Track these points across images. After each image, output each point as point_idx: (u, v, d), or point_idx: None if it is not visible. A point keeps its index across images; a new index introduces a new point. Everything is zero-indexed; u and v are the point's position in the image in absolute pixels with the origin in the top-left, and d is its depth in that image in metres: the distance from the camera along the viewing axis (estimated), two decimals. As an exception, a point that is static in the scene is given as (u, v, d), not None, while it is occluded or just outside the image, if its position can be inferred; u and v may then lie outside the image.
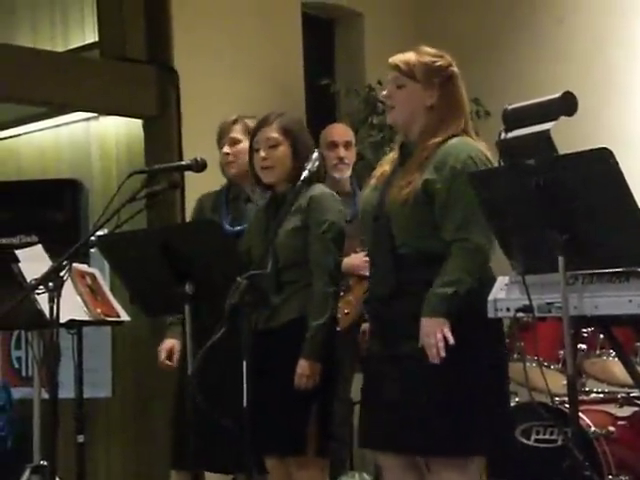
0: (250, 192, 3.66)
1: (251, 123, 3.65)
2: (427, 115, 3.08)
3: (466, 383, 2.95)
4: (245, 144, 3.62)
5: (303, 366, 3.19)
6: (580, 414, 3.53)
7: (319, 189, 3.33)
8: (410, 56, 3.12)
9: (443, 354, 2.86)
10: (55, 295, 3.01)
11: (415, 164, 3.03)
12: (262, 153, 3.36)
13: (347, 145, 4.56)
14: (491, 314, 2.82)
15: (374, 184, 3.17)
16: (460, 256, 2.92)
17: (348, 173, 4.50)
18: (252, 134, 3.43)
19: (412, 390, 2.96)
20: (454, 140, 3.05)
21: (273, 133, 3.35)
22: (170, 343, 3.68)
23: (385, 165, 3.21)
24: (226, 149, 3.69)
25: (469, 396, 2.96)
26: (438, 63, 3.10)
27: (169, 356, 3.69)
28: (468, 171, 2.91)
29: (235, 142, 3.69)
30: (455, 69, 3.12)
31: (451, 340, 2.87)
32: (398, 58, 3.13)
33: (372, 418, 3.12)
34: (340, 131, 4.65)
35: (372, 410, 3.11)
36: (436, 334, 2.86)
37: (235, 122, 3.71)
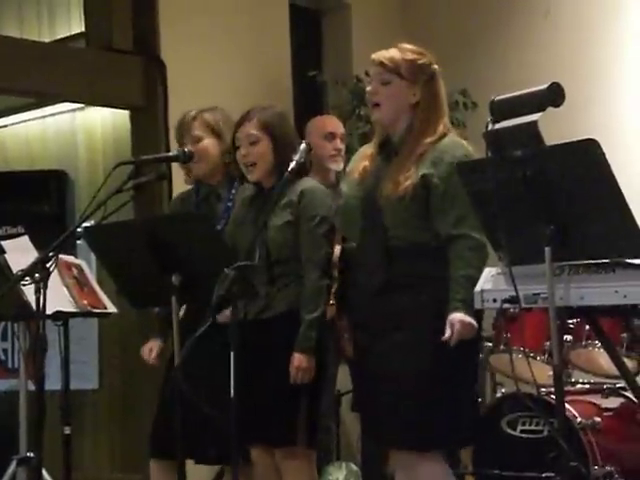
0: (222, 190, 3.58)
1: (209, 117, 3.56)
2: (411, 112, 3.11)
3: (452, 376, 3.00)
4: (207, 141, 3.53)
5: (299, 360, 3.18)
6: (566, 405, 3.54)
7: (309, 183, 3.32)
8: (394, 53, 3.12)
9: (451, 342, 2.91)
10: (41, 286, 3.00)
11: (410, 160, 3.05)
12: (242, 150, 3.34)
13: (342, 137, 4.54)
14: (478, 305, 2.84)
15: (357, 179, 3.17)
16: (470, 257, 2.96)
17: (342, 165, 4.50)
18: (234, 130, 3.40)
19: (400, 385, 2.99)
20: (448, 139, 3.11)
21: (252, 129, 3.32)
22: (150, 344, 3.62)
23: (363, 160, 3.20)
24: (190, 148, 3.59)
25: (453, 389, 3.00)
26: (421, 61, 3.13)
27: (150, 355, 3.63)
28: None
29: (197, 140, 3.54)
30: (437, 67, 3.15)
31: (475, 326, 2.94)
32: (382, 55, 3.13)
33: (368, 414, 3.16)
34: (337, 123, 4.61)
35: (367, 406, 3.14)
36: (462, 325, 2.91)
37: (194, 119, 3.56)
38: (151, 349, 3.60)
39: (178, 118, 3.67)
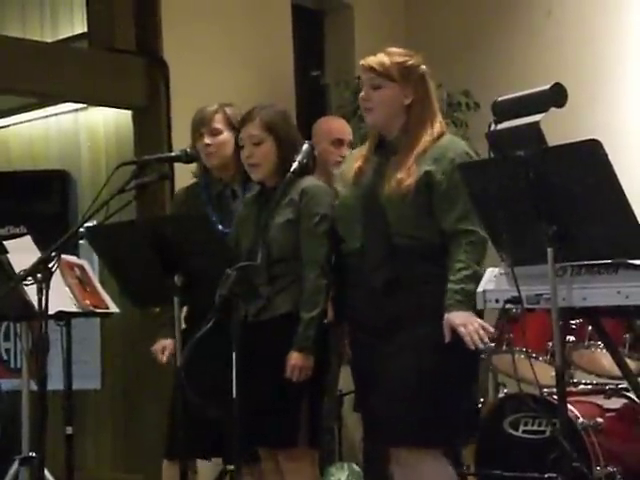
0: (237, 187, 3.60)
1: (230, 112, 3.61)
2: (405, 113, 3.12)
3: (453, 376, 3.00)
4: (225, 135, 3.58)
5: (296, 358, 3.18)
6: (568, 405, 3.54)
7: (311, 181, 3.32)
8: (382, 57, 3.14)
9: (487, 339, 2.91)
10: (44, 286, 3.00)
11: (411, 158, 3.07)
12: (246, 151, 3.34)
13: (350, 144, 4.51)
14: (480, 305, 2.84)
15: (352, 179, 3.18)
16: (470, 250, 2.98)
17: None
18: (237, 129, 3.41)
19: (401, 385, 3.00)
20: (447, 137, 3.14)
21: (255, 130, 3.32)
22: (162, 343, 3.62)
23: (357, 161, 3.21)
24: (208, 140, 3.61)
25: (454, 388, 3.01)
26: (410, 62, 3.14)
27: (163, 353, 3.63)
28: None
29: (216, 133, 3.60)
30: (425, 67, 3.16)
31: (491, 329, 2.93)
32: (371, 60, 3.14)
33: (369, 414, 3.16)
34: (345, 128, 4.56)
35: (368, 406, 3.14)
36: (473, 323, 2.91)
37: (216, 112, 3.62)
38: (164, 348, 3.58)
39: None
